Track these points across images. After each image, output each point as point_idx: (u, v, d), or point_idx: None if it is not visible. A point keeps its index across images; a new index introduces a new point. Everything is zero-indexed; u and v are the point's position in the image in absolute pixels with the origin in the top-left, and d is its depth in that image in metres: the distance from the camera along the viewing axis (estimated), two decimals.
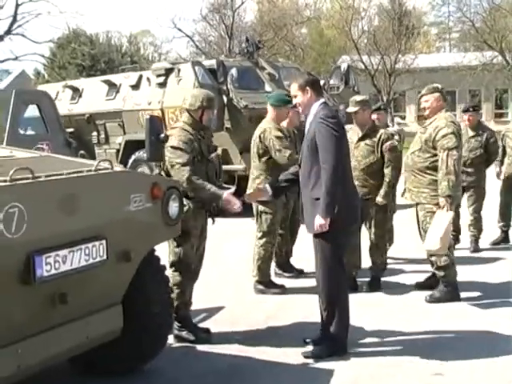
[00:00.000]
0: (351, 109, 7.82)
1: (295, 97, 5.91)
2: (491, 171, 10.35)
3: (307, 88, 5.84)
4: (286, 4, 45.78)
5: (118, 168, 4.94)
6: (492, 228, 10.30)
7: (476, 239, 9.92)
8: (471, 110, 9.75)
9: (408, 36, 42.11)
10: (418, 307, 7.16)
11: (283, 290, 7.90)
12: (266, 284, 7.92)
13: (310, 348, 5.89)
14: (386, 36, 40.72)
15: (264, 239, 7.89)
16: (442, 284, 7.40)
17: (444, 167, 7.06)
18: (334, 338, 5.79)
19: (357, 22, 43.96)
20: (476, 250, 9.83)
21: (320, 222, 5.54)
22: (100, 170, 4.68)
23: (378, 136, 7.76)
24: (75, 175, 4.43)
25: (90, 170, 4.59)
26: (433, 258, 7.36)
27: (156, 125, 5.80)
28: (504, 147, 10.32)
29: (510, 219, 10.28)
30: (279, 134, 7.80)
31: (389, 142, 7.70)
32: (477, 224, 9.89)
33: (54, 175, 4.28)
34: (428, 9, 47.38)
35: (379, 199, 7.67)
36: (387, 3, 43.56)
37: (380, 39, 40.75)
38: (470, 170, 9.58)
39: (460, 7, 44.63)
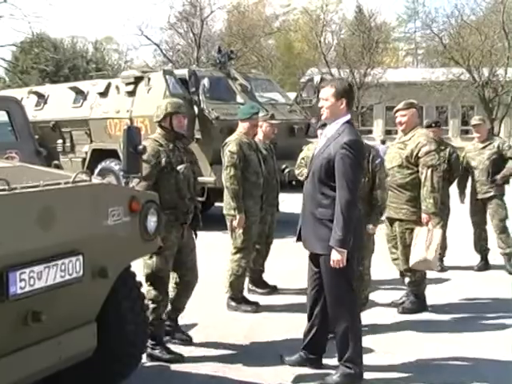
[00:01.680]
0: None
1: (325, 100, 5.48)
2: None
3: (343, 98, 5.47)
4: (254, 15, 45.92)
5: (96, 180, 4.80)
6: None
7: (441, 258, 9.73)
8: (433, 125, 9.57)
9: (376, 50, 42.44)
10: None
11: (255, 309, 7.74)
12: (238, 301, 7.81)
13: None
14: (355, 50, 41.00)
15: (238, 255, 7.76)
16: (413, 296, 7.62)
17: (429, 184, 7.18)
18: (350, 366, 5.48)
19: (326, 34, 44.23)
20: (442, 268, 9.73)
21: (337, 256, 5.24)
22: (78, 182, 4.54)
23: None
24: (53, 187, 4.29)
25: (68, 182, 4.46)
26: (408, 273, 7.56)
27: (134, 135, 5.64)
28: (466, 169, 10.06)
29: (486, 241, 10.13)
30: (234, 148, 7.66)
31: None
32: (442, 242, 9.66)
33: (29, 187, 4.14)
34: (396, 24, 47.79)
35: (371, 227, 7.03)
36: (354, 18, 43.97)
37: (349, 53, 41.05)
38: None
39: (427, 23, 45.02)
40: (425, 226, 7.32)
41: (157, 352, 6.12)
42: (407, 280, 7.72)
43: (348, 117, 5.49)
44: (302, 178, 7.90)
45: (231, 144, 7.75)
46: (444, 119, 44.85)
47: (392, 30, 47.53)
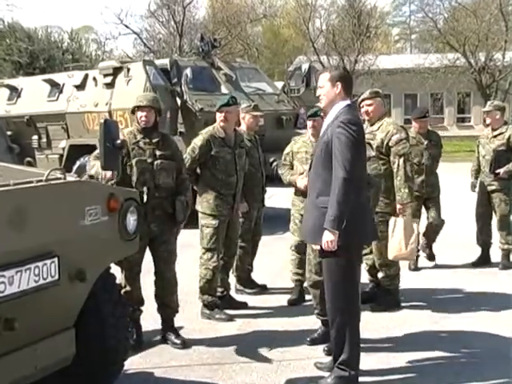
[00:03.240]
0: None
1: (321, 87, 5.51)
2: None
3: (338, 83, 5.44)
4: (239, 1, 45.86)
5: (72, 178, 4.76)
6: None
7: (429, 245, 9.97)
8: (426, 116, 9.71)
9: (368, 36, 42.44)
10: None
11: (229, 317, 7.52)
12: (211, 307, 7.56)
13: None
14: (345, 36, 41.01)
15: (205, 256, 7.50)
16: (386, 292, 7.72)
17: (402, 174, 7.35)
18: (345, 369, 5.40)
19: (314, 20, 44.23)
20: (430, 257, 9.98)
21: (329, 237, 5.16)
22: (51, 180, 4.49)
23: None
24: (24, 186, 4.25)
25: (41, 180, 4.41)
26: (383, 267, 7.68)
27: (112, 129, 5.60)
28: (478, 157, 10.04)
29: (489, 235, 10.00)
30: (199, 143, 7.50)
31: None
32: (436, 232, 9.89)
33: (0, 186, 4.10)
34: (389, 8, 47.90)
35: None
36: (345, 1, 43.94)
37: (339, 39, 41.04)
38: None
39: (422, 7, 45.11)
40: (400, 216, 7.41)
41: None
42: (381, 275, 7.83)
43: (347, 101, 5.44)
44: (285, 181, 7.89)
45: (199, 137, 7.60)
46: (439, 107, 44.99)
47: (386, 14, 47.55)
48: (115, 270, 6.42)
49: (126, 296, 6.52)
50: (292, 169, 7.75)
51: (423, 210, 9.73)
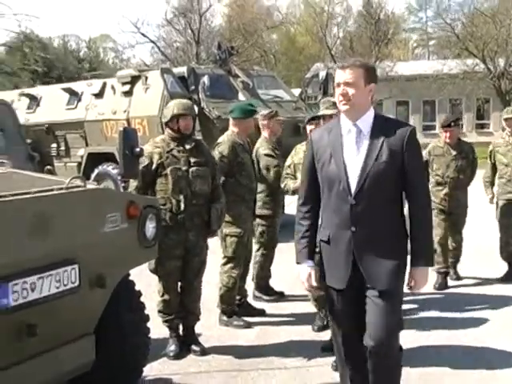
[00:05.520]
0: (328, 111, 6.87)
1: (351, 84, 4.16)
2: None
3: (373, 84, 4.28)
4: (255, 8, 45.90)
5: (92, 185, 4.81)
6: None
7: (454, 265, 9.49)
8: (452, 124, 8.96)
9: (386, 42, 42.37)
10: None
11: (247, 324, 7.55)
12: (230, 315, 7.61)
13: None
14: (363, 42, 40.97)
15: (228, 265, 7.54)
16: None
17: None
18: None
19: (331, 27, 44.18)
20: (458, 277, 9.45)
21: (426, 276, 4.32)
22: (72, 187, 4.56)
23: None
24: (45, 194, 4.30)
25: (62, 188, 4.47)
26: None
27: (131, 137, 5.66)
28: (494, 164, 9.57)
29: None
30: (226, 152, 7.48)
31: None
32: (459, 249, 9.39)
33: (21, 194, 4.15)
34: (406, 14, 47.78)
35: None
36: (362, 8, 43.90)
37: (356, 46, 41.00)
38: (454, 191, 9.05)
39: (439, 12, 44.92)
40: None
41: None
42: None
43: (373, 110, 4.33)
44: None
45: (223, 146, 7.55)
46: (458, 113, 44.75)
47: (403, 20, 47.45)
48: (153, 278, 6.63)
49: (164, 305, 6.63)
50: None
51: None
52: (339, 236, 4.28)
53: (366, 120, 4.25)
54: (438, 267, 9.02)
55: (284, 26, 46.77)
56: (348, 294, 4.32)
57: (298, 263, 4.50)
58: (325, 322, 6.61)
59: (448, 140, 8.97)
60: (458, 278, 9.38)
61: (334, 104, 6.60)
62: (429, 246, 4.37)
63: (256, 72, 17.41)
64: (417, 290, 4.35)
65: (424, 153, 7.39)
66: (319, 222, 4.55)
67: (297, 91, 17.61)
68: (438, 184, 9.02)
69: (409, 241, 4.36)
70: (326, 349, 6.36)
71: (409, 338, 6.60)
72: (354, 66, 4.19)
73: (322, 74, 16.83)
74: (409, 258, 4.32)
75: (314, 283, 4.44)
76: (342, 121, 4.32)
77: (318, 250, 4.53)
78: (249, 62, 39.03)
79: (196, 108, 13.70)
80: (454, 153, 8.98)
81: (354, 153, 4.22)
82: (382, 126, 4.24)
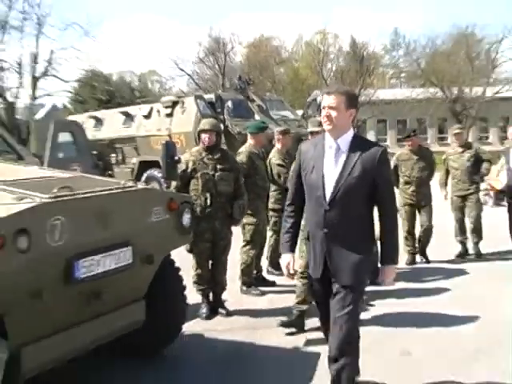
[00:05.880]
0: (315, 128, 6.79)
1: (334, 108, 3.89)
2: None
3: (353, 109, 4.01)
4: (268, 48, 45.80)
5: (141, 186, 4.82)
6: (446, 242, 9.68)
7: (414, 253, 9.15)
8: (412, 134, 8.93)
9: (368, 74, 42.33)
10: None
11: (261, 293, 7.52)
12: (248, 285, 7.63)
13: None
14: (351, 74, 40.84)
15: (246, 247, 7.59)
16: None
17: None
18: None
19: (326, 63, 44.15)
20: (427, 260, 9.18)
21: (393, 273, 4.12)
22: (127, 187, 4.58)
23: None
24: (107, 192, 4.33)
25: (119, 188, 4.49)
26: None
27: (171, 148, 5.70)
28: (447, 170, 9.54)
29: (465, 233, 9.49)
30: (244, 159, 7.49)
31: None
32: (427, 236, 9.11)
33: (89, 192, 4.18)
34: (382, 53, 47.52)
35: None
36: (349, 48, 43.85)
37: (345, 77, 40.92)
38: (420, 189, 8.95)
39: (408, 52, 44.94)
40: None
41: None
42: None
43: (353, 131, 4.07)
44: None
45: (242, 155, 7.59)
46: (423, 129, 44.58)
47: (380, 57, 47.20)
48: (189, 256, 6.66)
49: (198, 277, 6.67)
50: None
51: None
52: (315, 234, 4.06)
53: (346, 139, 3.97)
54: (408, 249, 9.01)
55: (289, 62, 46.70)
56: (321, 282, 4.13)
57: (281, 253, 4.38)
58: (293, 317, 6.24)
59: (410, 147, 8.99)
60: (427, 261, 9.11)
61: (320, 123, 6.65)
62: (395, 248, 4.10)
63: (268, 97, 17.43)
64: (386, 283, 4.14)
65: (392, 160, 7.39)
66: (303, 222, 4.39)
67: (300, 112, 17.59)
68: (406, 183, 8.97)
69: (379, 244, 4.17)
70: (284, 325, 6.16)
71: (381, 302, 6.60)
72: (338, 92, 3.94)
73: (320, 99, 16.77)
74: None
75: (292, 270, 4.27)
76: (326, 137, 4.04)
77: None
78: (263, 89, 39.02)
79: (222, 126, 13.76)
80: (415, 157, 8.96)
81: (332, 166, 3.97)
82: (358, 146, 3.96)
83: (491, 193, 15.30)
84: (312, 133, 6.77)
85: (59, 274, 3.88)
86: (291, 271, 4.28)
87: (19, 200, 3.73)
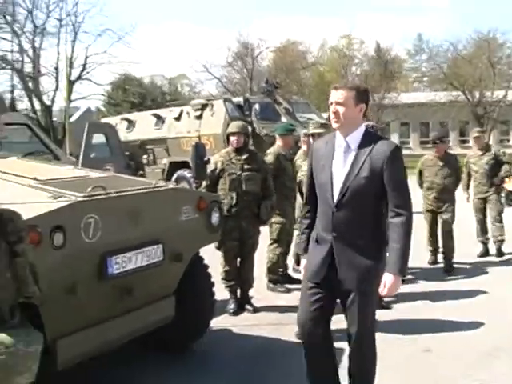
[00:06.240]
0: (316, 130, 6.85)
1: (342, 104, 3.55)
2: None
3: (363, 104, 3.63)
4: (294, 52, 45.66)
5: (171, 185, 4.83)
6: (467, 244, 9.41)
7: (436, 253, 8.91)
8: (438, 141, 8.60)
9: (392, 78, 42.06)
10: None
11: (287, 290, 7.49)
12: (275, 282, 7.60)
13: None
14: (375, 78, 40.60)
15: (273, 245, 7.55)
16: None
17: None
18: None
19: (351, 67, 43.96)
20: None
21: (396, 283, 3.51)
22: (157, 187, 4.59)
23: None
24: (138, 191, 4.35)
25: (150, 187, 4.51)
26: None
27: (201, 149, 5.73)
28: (469, 173, 9.44)
29: (487, 233, 9.39)
30: (272, 160, 7.40)
31: None
32: (449, 243, 8.62)
33: (121, 191, 4.20)
34: (406, 57, 47.14)
35: None
36: (374, 53, 43.59)
37: (369, 81, 40.69)
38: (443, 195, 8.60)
39: (431, 56, 44.54)
40: None
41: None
42: None
43: (364, 128, 3.68)
44: None
45: (270, 156, 7.52)
46: (445, 132, 44.18)
47: (403, 61, 46.82)
48: (217, 254, 6.64)
49: (226, 274, 6.65)
50: None
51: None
52: (323, 237, 3.67)
53: (355, 136, 3.59)
54: (430, 249, 8.87)
55: (315, 66, 46.53)
56: (319, 287, 3.70)
57: (298, 254, 4.16)
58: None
59: (436, 153, 8.66)
60: (450, 269, 8.47)
61: (321, 125, 6.66)
62: (402, 255, 3.50)
63: (294, 100, 17.37)
64: (387, 294, 3.55)
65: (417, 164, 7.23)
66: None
67: (325, 115, 17.51)
68: (428, 189, 8.67)
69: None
70: None
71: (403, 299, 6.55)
72: (346, 87, 3.57)
73: None
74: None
75: None
76: (336, 135, 3.67)
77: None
78: (289, 93, 38.95)
79: (249, 128, 13.74)
80: (440, 164, 8.57)
81: (340, 165, 3.60)
82: (369, 143, 3.56)
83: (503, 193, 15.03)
84: (313, 135, 6.75)
85: (93, 270, 3.91)
86: None
87: (55, 198, 3.77)
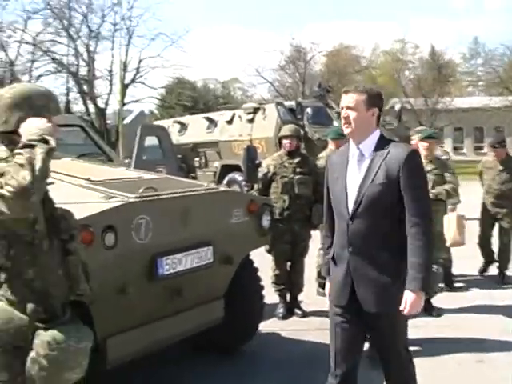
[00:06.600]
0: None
1: (352, 109, 3.31)
2: None
3: (376, 108, 3.36)
4: (347, 56, 45.44)
5: (223, 188, 4.84)
6: None
7: (501, 268, 8.21)
8: (497, 146, 8.19)
9: (445, 82, 41.44)
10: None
11: None
12: (324, 287, 7.47)
13: None
14: (428, 82, 40.07)
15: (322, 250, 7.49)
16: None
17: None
18: None
19: (404, 71, 43.49)
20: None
21: (418, 301, 3.19)
22: (209, 189, 4.60)
23: None
24: (189, 193, 4.36)
25: (201, 190, 4.51)
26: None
27: (252, 152, 5.72)
28: None
29: None
30: (323, 164, 7.33)
31: None
32: (505, 252, 8.22)
33: (172, 193, 4.22)
34: (460, 61, 46.37)
35: None
36: (428, 57, 43.03)
37: (423, 85, 40.19)
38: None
39: (487, 60, 43.71)
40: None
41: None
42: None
43: (379, 133, 3.39)
44: None
45: (321, 159, 7.28)
46: (502, 137, 43.25)
47: (457, 65, 46.06)
48: (268, 257, 6.62)
49: (276, 277, 6.62)
50: None
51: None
52: (340, 255, 3.38)
53: (369, 143, 3.32)
54: (484, 260, 8.43)
55: (368, 70, 46.20)
56: (347, 310, 3.40)
57: (321, 276, 3.82)
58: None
59: (495, 158, 8.25)
60: (504, 280, 8.04)
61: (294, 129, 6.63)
62: (421, 270, 3.16)
63: None
64: (408, 313, 3.22)
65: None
66: None
67: None
68: (487, 192, 8.27)
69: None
70: None
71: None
72: (357, 91, 3.32)
73: (397, 106, 16.59)
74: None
75: None
76: (350, 145, 3.42)
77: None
78: (341, 97, 38.66)
79: (302, 132, 13.69)
80: (500, 168, 8.15)
81: (355, 174, 3.34)
82: (384, 148, 3.29)
83: None
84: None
85: (143, 271, 3.93)
86: None
87: (107, 199, 3.80)
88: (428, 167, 6.28)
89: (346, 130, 3.36)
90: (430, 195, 5.92)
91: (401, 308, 3.21)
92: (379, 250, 3.25)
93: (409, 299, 3.18)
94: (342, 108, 3.36)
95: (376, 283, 3.25)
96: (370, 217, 3.25)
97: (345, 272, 3.35)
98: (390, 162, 3.23)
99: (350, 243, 3.30)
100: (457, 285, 7.74)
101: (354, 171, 3.35)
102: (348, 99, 3.32)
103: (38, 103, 2.65)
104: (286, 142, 6.57)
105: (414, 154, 3.28)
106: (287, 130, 6.66)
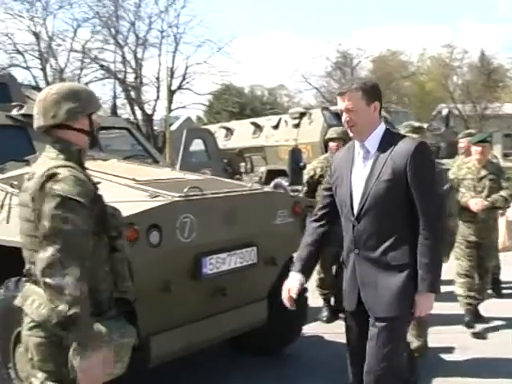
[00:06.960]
0: (409, 134, 6.38)
1: (351, 110, 3.10)
2: None
3: (376, 102, 3.15)
4: (394, 62, 45.06)
5: (268, 189, 4.83)
6: None
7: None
8: None
9: (495, 88, 40.69)
10: None
11: None
12: None
13: None
14: (477, 88, 39.43)
15: None
16: None
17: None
18: None
19: (452, 76, 42.90)
20: None
21: (429, 302, 3.08)
22: (253, 190, 4.60)
23: None
24: (234, 193, 4.37)
25: (246, 190, 4.52)
26: None
27: (297, 155, 5.71)
28: None
29: None
30: None
31: None
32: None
33: (217, 193, 4.24)
34: (511, 66, 45.42)
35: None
36: (478, 62, 42.34)
37: (472, 90, 39.58)
38: None
39: None
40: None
41: None
42: None
43: (383, 126, 3.21)
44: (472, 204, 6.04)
45: None
46: None
47: (507, 71, 45.18)
48: None
49: (321, 281, 6.58)
50: None
51: None
52: (348, 258, 3.26)
53: (374, 139, 3.13)
54: None
55: (415, 76, 45.73)
56: (356, 317, 3.27)
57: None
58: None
59: None
60: None
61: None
62: (432, 271, 3.01)
63: (393, 109, 17.12)
64: (418, 315, 3.10)
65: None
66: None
67: (425, 125, 17.14)
68: None
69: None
70: None
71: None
72: (351, 89, 3.09)
73: (445, 112, 16.38)
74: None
75: (293, 295, 3.46)
76: (355, 142, 3.24)
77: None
78: (388, 102, 38.44)
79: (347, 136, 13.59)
80: None
81: (360, 172, 3.15)
82: (390, 144, 3.09)
83: None
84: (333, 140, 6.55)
85: (187, 270, 3.95)
86: (293, 295, 3.46)
87: (152, 198, 3.83)
88: (482, 173, 6.12)
89: (351, 133, 3.18)
90: (485, 203, 5.85)
91: (414, 310, 3.07)
92: (387, 252, 3.07)
93: (419, 301, 3.05)
94: (342, 112, 3.16)
95: (382, 287, 3.07)
96: (376, 216, 3.07)
97: (351, 275, 3.23)
98: (397, 157, 3.04)
99: (355, 244, 3.17)
100: (505, 291, 7.55)
101: (359, 169, 3.18)
102: (345, 101, 3.12)
103: (83, 96, 2.74)
104: (332, 144, 6.53)
105: (423, 146, 3.08)
106: (334, 132, 6.61)
